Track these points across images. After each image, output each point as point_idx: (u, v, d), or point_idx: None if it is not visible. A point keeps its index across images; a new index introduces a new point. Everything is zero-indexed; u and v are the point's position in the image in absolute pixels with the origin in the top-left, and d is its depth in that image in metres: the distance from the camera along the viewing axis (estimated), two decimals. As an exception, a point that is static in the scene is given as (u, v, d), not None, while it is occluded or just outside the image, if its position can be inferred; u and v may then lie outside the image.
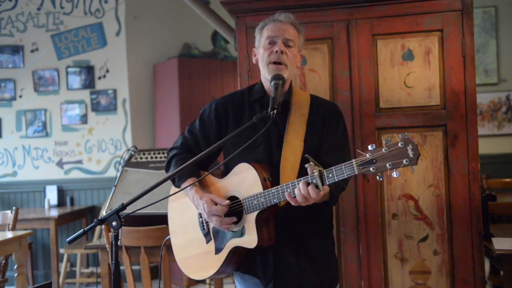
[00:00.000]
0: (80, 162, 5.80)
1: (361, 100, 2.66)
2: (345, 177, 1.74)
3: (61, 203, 5.78)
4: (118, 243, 1.74)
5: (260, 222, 1.92)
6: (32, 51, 5.84)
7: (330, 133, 2.06)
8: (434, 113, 2.62)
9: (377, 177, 1.71)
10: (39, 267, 5.80)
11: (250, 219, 1.93)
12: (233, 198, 2.01)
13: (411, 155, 1.65)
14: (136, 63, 5.81)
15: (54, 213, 5.18)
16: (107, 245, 2.92)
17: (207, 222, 2.07)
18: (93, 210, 5.75)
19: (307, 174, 1.81)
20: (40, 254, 5.79)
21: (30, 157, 5.86)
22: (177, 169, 1.92)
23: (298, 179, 1.82)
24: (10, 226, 3.91)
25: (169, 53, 5.95)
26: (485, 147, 5.20)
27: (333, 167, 1.76)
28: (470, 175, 2.58)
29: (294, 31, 2.07)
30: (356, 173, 1.71)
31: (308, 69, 2.72)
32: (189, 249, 2.13)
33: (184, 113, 5.56)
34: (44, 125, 5.82)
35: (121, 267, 2.54)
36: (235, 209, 1.99)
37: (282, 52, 2.02)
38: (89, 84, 5.75)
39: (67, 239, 1.75)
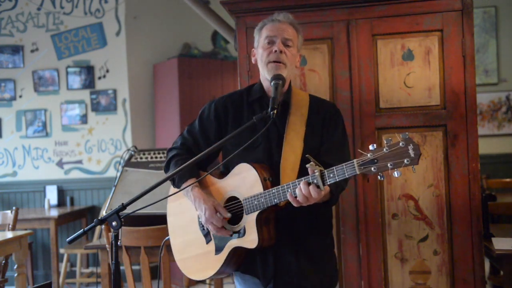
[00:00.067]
0: (80, 162, 5.80)
1: (361, 100, 2.66)
2: (346, 177, 1.74)
3: (61, 203, 5.78)
4: (118, 243, 1.74)
5: (260, 222, 1.92)
6: (32, 51, 5.84)
7: (330, 133, 2.06)
8: (434, 113, 2.62)
9: (378, 176, 1.71)
10: (39, 267, 5.80)
11: (250, 220, 1.93)
12: (233, 198, 2.01)
13: (412, 155, 1.65)
14: (136, 63, 5.81)
15: (54, 213, 5.18)
16: (107, 245, 2.92)
17: (207, 223, 2.07)
18: (93, 210, 5.75)
19: (307, 174, 1.81)
20: (40, 254, 5.79)
21: (30, 157, 5.86)
22: (177, 169, 1.92)
23: (299, 179, 1.82)
24: (10, 226, 3.91)
25: (169, 53, 5.95)
26: (485, 147, 5.20)
27: (334, 167, 1.76)
28: (470, 175, 2.58)
29: (293, 31, 2.07)
30: (358, 173, 1.71)
31: (308, 69, 2.72)
32: (188, 250, 2.13)
33: (184, 113, 5.55)
34: (44, 125, 5.82)
35: (121, 267, 2.54)
36: (235, 209, 1.99)
37: (281, 51, 2.02)
38: (89, 84, 5.75)
39: (67, 239, 1.75)
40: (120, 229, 1.74)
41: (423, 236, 2.63)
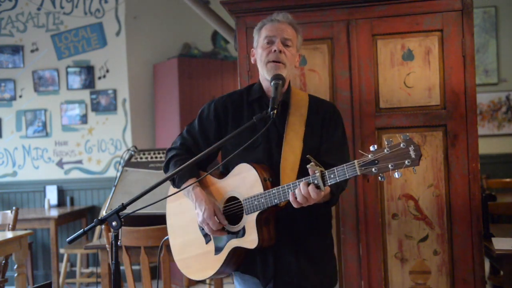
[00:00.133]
0: (80, 162, 5.80)
1: (361, 100, 2.66)
2: (347, 177, 1.74)
3: (61, 203, 5.78)
4: (118, 243, 1.74)
5: (260, 223, 1.92)
6: (32, 51, 5.84)
7: (330, 133, 2.06)
8: (434, 113, 2.62)
9: (379, 177, 1.71)
10: (39, 267, 5.80)
11: (250, 220, 1.93)
12: (233, 199, 2.01)
13: (413, 156, 1.65)
14: (136, 63, 5.81)
15: (54, 213, 5.18)
16: (107, 245, 2.92)
17: (206, 223, 2.07)
18: (93, 210, 5.75)
19: (307, 174, 1.81)
20: (40, 254, 5.79)
21: (30, 157, 5.86)
22: (177, 169, 1.92)
23: (299, 180, 1.82)
24: (10, 226, 3.91)
25: (169, 53, 5.95)
26: (485, 147, 5.20)
27: (334, 168, 1.76)
28: (470, 175, 2.58)
29: (292, 31, 2.07)
30: (358, 173, 1.72)
31: (308, 69, 2.72)
32: (188, 250, 2.13)
33: (184, 113, 5.55)
34: (44, 125, 5.82)
35: (121, 267, 2.54)
36: (235, 209, 1.99)
37: (280, 51, 2.02)
38: (89, 84, 5.75)
39: (67, 239, 1.75)
40: (120, 229, 1.74)
41: (423, 236, 2.63)
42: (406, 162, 1.65)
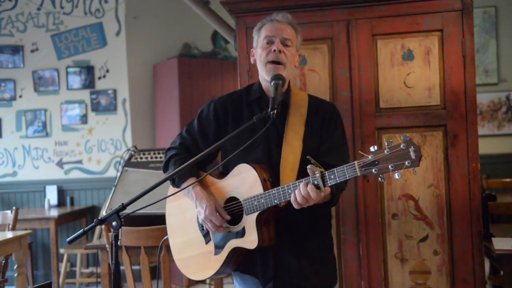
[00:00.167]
0: (80, 162, 5.80)
1: (361, 100, 2.66)
2: (347, 178, 1.74)
3: (61, 203, 5.78)
4: (118, 243, 1.74)
5: (260, 223, 1.92)
6: (32, 51, 5.84)
7: (329, 133, 2.06)
8: (434, 113, 2.62)
9: (379, 178, 1.71)
10: (39, 267, 5.80)
11: (250, 220, 1.93)
12: (232, 199, 2.01)
13: (413, 157, 1.65)
14: (136, 63, 5.81)
15: (54, 213, 5.18)
16: (107, 245, 2.92)
17: (206, 223, 2.07)
18: (93, 210, 5.75)
19: (307, 174, 1.81)
20: (40, 254, 5.79)
21: (30, 157, 5.86)
22: (177, 169, 1.92)
23: (299, 180, 1.82)
24: (10, 226, 3.91)
25: (169, 53, 5.95)
26: (485, 147, 5.20)
27: (334, 169, 1.76)
28: (470, 175, 2.58)
29: (291, 30, 2.07)
30: (358, 174, 1.72)
31: (308, 69, 2.72)
32: (188, 249, 2.13)
33: (184, 113, 5.56)
34: (44, 125, 5.82)
35: (121, 267, 2.54)
36: (235, 209, 1.99)
37: (280, 51, 2.02)
38: (89, 84, 5.75)
39: (67, 239, 1.75)
40: (120, 229, 1.74)
41: (423, 236, 2.63)
42: (406, 163, 1.65)
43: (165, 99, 5.74)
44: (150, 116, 5.95)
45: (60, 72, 5.79)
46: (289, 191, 1.83)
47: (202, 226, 2.08)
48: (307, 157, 1.80)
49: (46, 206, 5.47)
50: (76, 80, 5.77)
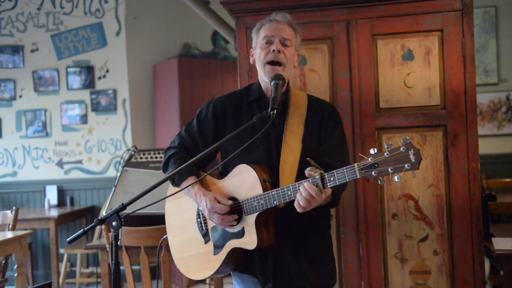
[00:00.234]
0: (80, 162, 5.80)
1: (361, 100, 2.66)
2: (347, 180, 1.75)
3: (61, 203, 5.78)
4: (118, 243, 1.74)
5: (259, 224, 1.92)
6: (32, 51, 5.84)
7: (328, 133, 2.05)
8: (434, 113, 2.62)
9: (379, 181, 1.72)
10: (39, 267, 5.80)
11: (249, 221, 1.93)
12: (232, 199, 2.01)
13: (413, 160, 1.65)
14: (136, 63, 5.81)
15: (54, 213, 5.18)
16: (107, 245, 2.92)
17: (205, 223, 2.07)
18: (93, 210, 5.75)
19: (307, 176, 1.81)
20: (40, 254, 5.79)
21: (30, 157, 5.86)
22: (177, 169, 1.92)
23: (299, 182, 1.82)
24: (10, 226, 3.91)
25: (169, 53, 5.95)
26: (485, 147, 5.20)
27: (334, 171, 1.76)
28: (470, 175, 2.58)
29: (290, 31, 2.07)
30: (358, 177, 1.72)
31: (308, 69, 2.71)
32: (187, 249, 2.13)
33: (184, 113, 5.56)
34: (44, 125, 5.82)
35: (121, 267, 2.54)
36: (234, 210, 1.99)
37: (279, 51, 2.02)
38: (89, 84, 5.75)
39: (67, 239, 1.75)
40: (120, 229, 1.74)
41: (423, 236, 2.63)
42: (406, 166, 1.65)
43: (165, 99, 5.74)
44: (150, 116, 5.95)
45: (60, 72, 5.79)
46: (289, 193, 1.83)
47: (201, 225, 2.08)
48: (307, 159, 1.80)
49: (46, 206, 5.47)
50: (76, 80, 5.77)
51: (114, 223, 1.73)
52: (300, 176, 1.86)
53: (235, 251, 1.98)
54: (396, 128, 2.64)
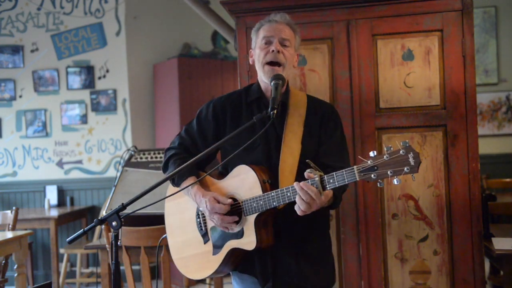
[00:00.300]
0: (80, 162, 5.80)
1: (361, 100, 2.66)
2: (346, 183, 1.75)
3: (61, 203, 5.78)
4: (118, 243, 1.74)
5: (258, 224, 1.92)
6: (32, 51, 5.84)
7: (328, 134, 2.05)
8: (434, 113, 2.62)
9: (378, 183, 1.72)
10: (39, 267, 5.80)
11: (249, 221, 1.93)
12: (232, 200, 2.01)
13: (412, 163, 1.65)
14: (136, 63, 5.81)
15: (54, 213, 5.18)
16: (107, 245, 2.92)
17: (205, 223, 2.07)
18: (93, 210, 5.75)
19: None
20: (40, 254, 5.79)
21: (30, 157, 5.86)
22: (177, 169, 1.92)
23: (298, 183, 1.81)
24: (10, 226, 3.91)
25: (169, 53, 5.95)
26: (485, 147, 5.21)
27: (334, 173, 1.76)
28: (470, 175, 2.58)
29: (290, 31, 2.07)
30: (357, 179, 1.72)
31: (308, 69, 2.71)
32: (186, 249, 2.13)
33: (184, 113, 5.56)
34: (44, 125, 5.82)
35: (121, 267, 2.54)
36: (234, 211, 1.99)
37: (278, 51, 2.01)
38: (89, 84, 5.75)
39: (67, 239, 1.75)
40: (120, 229, 1.74)
41: (423, 236, 2.63)
42: (405, 169, 1.66)
43: (165, 99, 5.74)
44: (150, 116, 5.95)
45: (60, 72, 5.79)
46: (288, 194, 1.83)
47: (201, 226, 2.08)
48: (307, 160, 1.80)
49: (46, 206, 5.47)
50: (76, 80, 5.77)
51: (114, 223, 1.73)
52: (300, 177, 1.86)
53: (234, 251, 1.98)
54: (396, 128, 2.64)
